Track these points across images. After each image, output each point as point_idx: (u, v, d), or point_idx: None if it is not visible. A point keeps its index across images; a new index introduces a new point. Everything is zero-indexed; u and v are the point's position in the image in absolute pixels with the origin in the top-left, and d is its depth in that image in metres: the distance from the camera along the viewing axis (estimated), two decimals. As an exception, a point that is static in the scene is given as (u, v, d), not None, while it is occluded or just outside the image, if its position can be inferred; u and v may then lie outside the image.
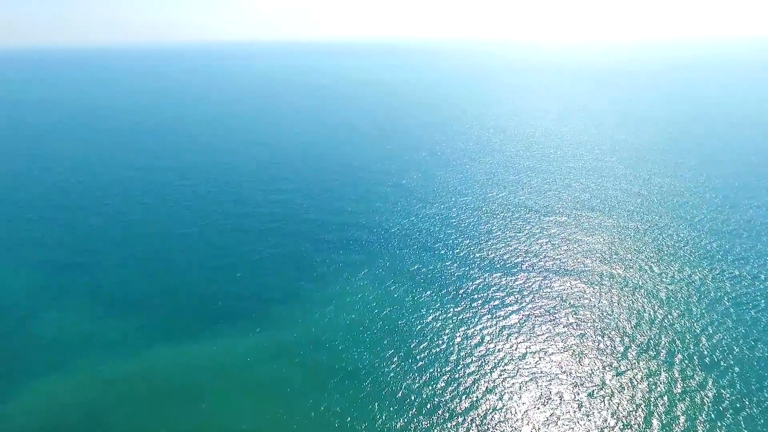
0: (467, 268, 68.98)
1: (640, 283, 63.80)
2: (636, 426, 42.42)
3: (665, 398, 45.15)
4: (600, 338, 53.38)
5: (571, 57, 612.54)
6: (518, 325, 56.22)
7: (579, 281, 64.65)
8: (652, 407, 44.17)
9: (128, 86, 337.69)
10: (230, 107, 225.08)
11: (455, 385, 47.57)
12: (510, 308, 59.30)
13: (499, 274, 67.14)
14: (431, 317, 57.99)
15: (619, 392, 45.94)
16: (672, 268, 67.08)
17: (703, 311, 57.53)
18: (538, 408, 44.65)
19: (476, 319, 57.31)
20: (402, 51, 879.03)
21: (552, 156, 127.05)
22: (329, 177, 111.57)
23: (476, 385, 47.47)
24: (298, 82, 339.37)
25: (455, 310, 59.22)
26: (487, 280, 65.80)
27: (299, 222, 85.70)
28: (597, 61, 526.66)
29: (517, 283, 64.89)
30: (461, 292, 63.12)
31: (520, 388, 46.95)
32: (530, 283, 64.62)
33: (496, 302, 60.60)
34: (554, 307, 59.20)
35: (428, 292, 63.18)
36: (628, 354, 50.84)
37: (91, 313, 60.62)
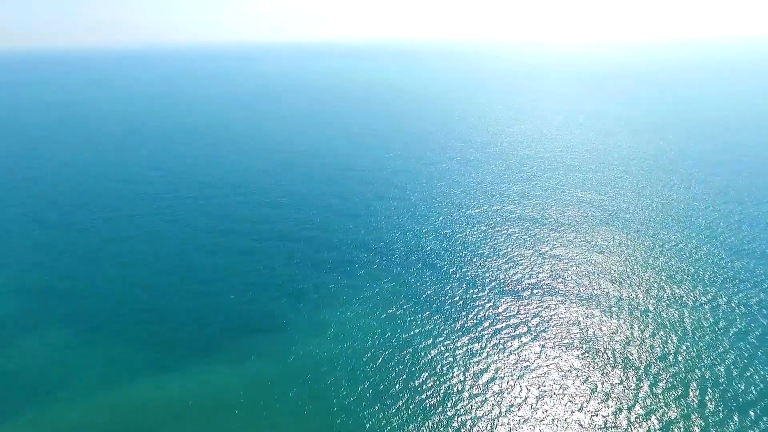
0: (474, 290, 64.67)
1: (661, 309, 59.46)
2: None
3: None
4: (623, 375, 49.04)
5: (573, 58, 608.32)
6: (532, 359, 51.84)
7: (594, 308, 60.28)
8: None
9: (125, 90, 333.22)
10: (226, 113, 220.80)
11: (467, 429, 43.24)
12: (523, 339, 54.92)
13: (509, 298, 62.80)
14: (438, 349, 53.64)
15: (648, 440, 41.68)
16: (694, 292, 62.78)
17: (733, 342, 53.26)
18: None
19: (487, 352, 52.96)
20: (402, 52, 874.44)
21: (559, 164, 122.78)
22: (326, 189, 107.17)
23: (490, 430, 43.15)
24: (298, 86, 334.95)
25: (464, 340, 54.86)
26: (496, 304, 61.48)
27: (293, 240, 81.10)
28: (600, 62, 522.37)
29: (528, 308, 60.53)
30: (470, 318, 58.79)
31: (537, 434, 42.68)
32: (542, 309, 60.28)
33: (508, 331, 56.24)
34: (570, 338, 54.84)
35: (435, 318, 58.85)
36: (656, 392, 46.51)
37: (70, 342, 56.24)
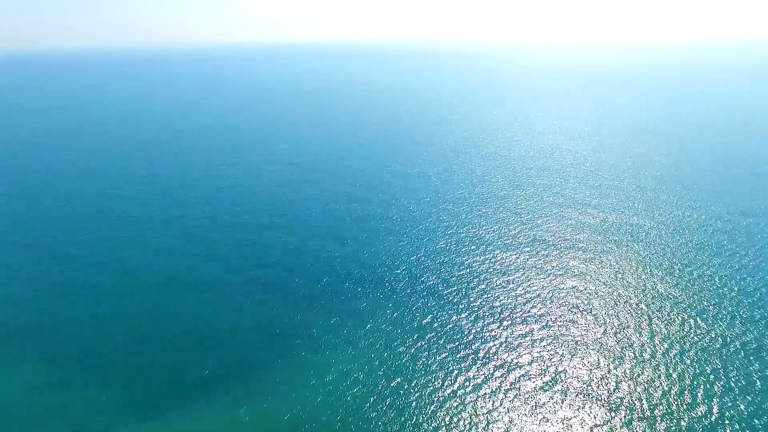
0: (484, 322, 60.08)
1: (689, 347, 54.84)
2: None
3: None
4: (650, 428, 44.45)
5: (576, 59, 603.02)
6: (550, 405, 47.26)
7: (615, 343, 55.68)
8: None
9: (118, 94, 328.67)
10: (223, 119, 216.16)
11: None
12: (538, 381, 50.33)
13: (522, 330, 58.24)
14: (448, 391, 49.06)
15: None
16: (721, 324, 58.17)
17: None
18: None
19: (500, 396, 48.35)
20: (403, 54, 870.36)
21: (568, 176, 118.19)
22: (321, 207, 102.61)
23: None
24: (297, 89, 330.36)
25: (475, 381, 50.25)
26: (508, 339, 56.89)
27: (286, 269, 76.41)
28: (604, 64, 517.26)
29: (543, 344, 55.93)
30: (480, 355, 54.21)
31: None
32: (558, 345, 55.67)
33: (522, 371, 51.65)
34: (589, 379, 50.27)
35: (442, 356, 54.24)
36: (688, 448, 41.98)
37: (44, 385, 51.61)
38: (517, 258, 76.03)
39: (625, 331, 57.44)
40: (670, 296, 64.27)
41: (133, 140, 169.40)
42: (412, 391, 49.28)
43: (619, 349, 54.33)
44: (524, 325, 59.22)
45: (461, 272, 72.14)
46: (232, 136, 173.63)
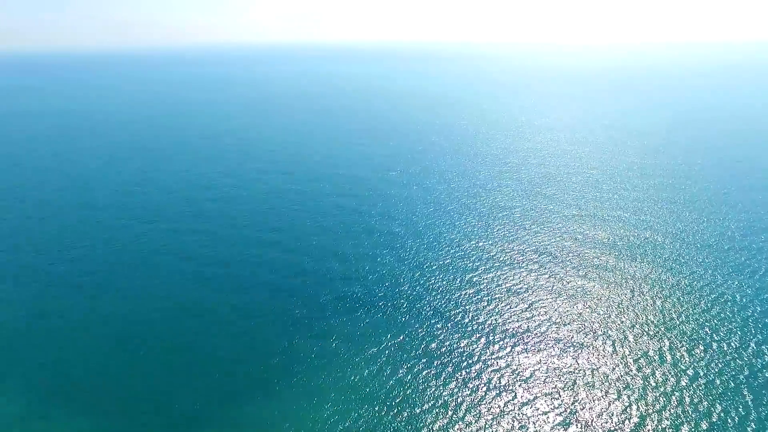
0: (495, 347, 56.51)
1: (714, 376, 51.29)
2: None
3: None
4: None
5: (584, 61, 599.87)
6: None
7: (636, 372, 52.13)
8: None
9: (114, 97, 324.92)
10: (220, 125, 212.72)
11: None
12: (553, 417, 46.73)
13: (535, 358, 54.66)
14: (456, 427, 45.43)
15: None
16: (746, 352, 54.66)
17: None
18: None
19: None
20: (404, 54, 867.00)
21: (576, 185, 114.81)
22: (321, 221, 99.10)
23: None
24: (297, 92, 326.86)
25: (487, 418, 46.62)
26: (522, 368, 53.29)
27: (283, 289, 72.96)
28: (610, 66, 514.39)
29: (559, 374, 52.35)
30: (491, 385, 50.61)
31: None
32: (575, 375, 52.12)
33: (537, 407, 48.01)
34: (610, 415, 46.67)
35: (451, 386, 50.60)
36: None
37: (24, 414, 47.85)
38: (527, 276, 72.49)
39: (646, 360, 53.91)
40: (691, 320, 60.78)
41: (123, 147, 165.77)
42: (419, 426, 45.64)
43: (641, 381, 50.79)
44: (538, 352, 55.65)
45: (467, 291, 68.57)
46: (226, 142, 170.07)
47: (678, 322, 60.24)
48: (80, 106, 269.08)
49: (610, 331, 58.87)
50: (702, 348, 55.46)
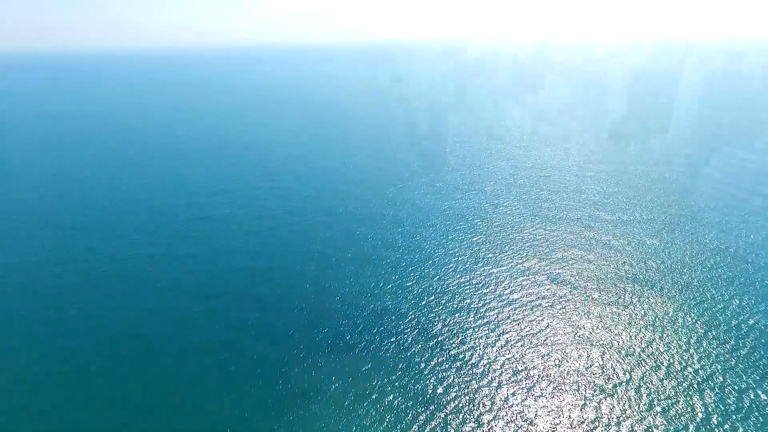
0: (509, 392, 51.73)
1: (751, 425, 46.53)
2: None
3: None
4: None
5: (586, 60, 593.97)
6: None
7: (664, 424, 47.34)
8: None
9: (110, 101, 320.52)
10: (213, 132, 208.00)
11: None
12: None
13: (555, 404, 49.89)
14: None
15: None
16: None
17: None
18: None
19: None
20: (405, 55, 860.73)
21: (580, 198, 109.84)
22: (316, 245, 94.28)
23: None
24: (295, 95, 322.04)
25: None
26: (540, 420, 48.50)
27: (277, 311, 68.25)
28: (614, 65, 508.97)
29: (581, 429, 47.60)
30: (500, 428, 45.85)
31: None
32: (597, 427, 47.33)
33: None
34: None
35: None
36: None
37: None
38: (540, 307, 67.61)
39: (676, 409, 49.09)
40: (720, 359, 55.97)
41: (115, 157, 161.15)
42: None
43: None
44: (556, 399, 50.86)
45: (477, 323, 63.75)
46: (221, 150, 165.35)
47: (706, 362, 55.40)
48: (75, 110, 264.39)
49: (632, 377, 53.99)
50: (736, 394, 50.63)
